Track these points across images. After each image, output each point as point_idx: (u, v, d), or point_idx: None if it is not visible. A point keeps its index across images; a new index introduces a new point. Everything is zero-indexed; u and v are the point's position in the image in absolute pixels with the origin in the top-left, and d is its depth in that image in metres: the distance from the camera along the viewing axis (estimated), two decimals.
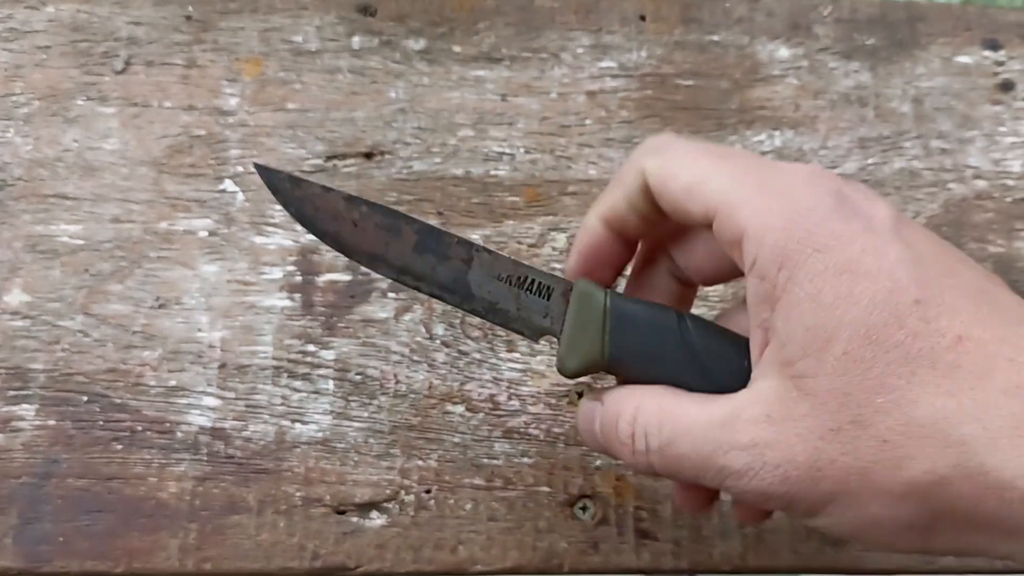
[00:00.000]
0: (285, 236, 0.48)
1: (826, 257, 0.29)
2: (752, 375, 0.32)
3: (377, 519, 0.44)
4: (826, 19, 0.54)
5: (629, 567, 0.44)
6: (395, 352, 0.46)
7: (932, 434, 0.28)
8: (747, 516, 0.38)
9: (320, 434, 0.45)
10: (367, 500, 0.44)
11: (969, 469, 0.27)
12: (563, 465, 0.45)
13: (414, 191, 0.49)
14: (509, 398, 0.46)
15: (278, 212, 0.49)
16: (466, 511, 0.44)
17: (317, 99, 0.51)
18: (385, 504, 0.44)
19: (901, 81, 0.53)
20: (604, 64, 0.53)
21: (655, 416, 0.33)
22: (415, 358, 0.46)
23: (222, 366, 0.46)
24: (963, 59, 0.53)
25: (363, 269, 0.47)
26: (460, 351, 0.47)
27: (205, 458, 0.44)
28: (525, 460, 0.45)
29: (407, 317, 0.47)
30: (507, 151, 0.50)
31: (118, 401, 0.45)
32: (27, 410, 0.45)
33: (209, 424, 0.45)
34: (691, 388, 0.35)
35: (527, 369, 0.46)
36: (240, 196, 0.49)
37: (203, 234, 0.48)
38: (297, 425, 0.45)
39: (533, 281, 0.38)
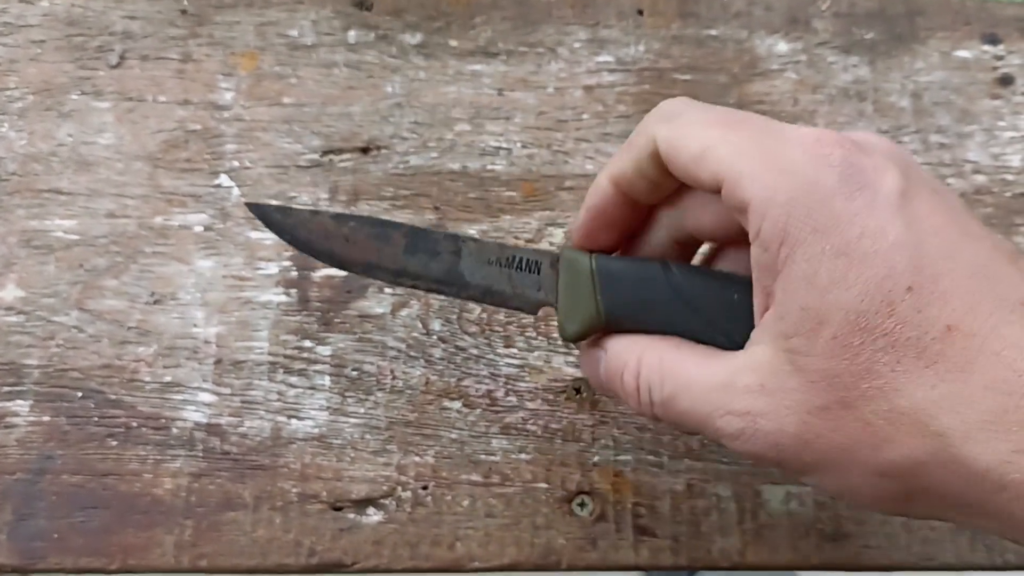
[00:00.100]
0: None
1: (824, 238, 0.29)
2: (752, 335, 0.33)
3: (374, 515, 0.44)
4: (825, 13, 0.53)
5: (627, 563, 0.44)
6: (392, 348, 0.46)
7: (912, 422, 0.29)
8: None
9: (316, 430, 0.45)
10: (364, 496, 0.44)
11: (945, 458, 0.28)
12: (561, 461, 0.45)
13: (411, 186, 0.49)
14: (506, 394, 0.46)
15: None
16: (463, 507, 0.44)
17: (313, 93, 0.51)
18: (382, 500, 0.44)
19: (900, 75, 0.52)
20: (601, 58, 0.52)
21: (656, 371, 0.35)
22: (412, 354, 0.46)
23: (218, 362, 0.46)
24: (962, 53, 0.53)
25: None
26: (457, 347, 0.46)
27: (201, 454, 0.44)
28: (523, 456, 0.45)
29: (404, 313, 0.47)
30: (504, 146, 0.50)
31: (113, 397, 0.45)
32: (21, 406, 0.45)
33: (205, 420, 0.45)
34: (689, 332, 0.36)
35: (524, 365, 0.46)
36: (236, 191, 0.49)
37: (198, 229, 0.48)
38: (293, 421, 0.45)
39: (521, 259, 0.40)
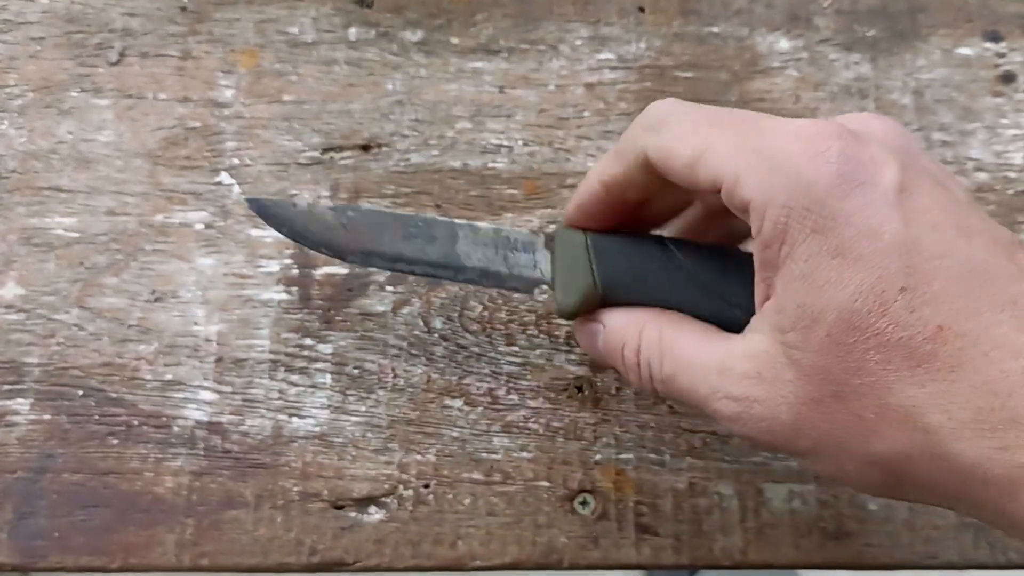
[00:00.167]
0: None
1: (822, 239, 0.30)
2: (752, 321, 0.33)
3: (375, 514, 0.44)
4: (826, 10, 0.53)
5: (629, 562, 0.43)
6: (393, 346, 0.46)
7: (901, 419, 0.29)
8: None
9: (317, 428, 0.45)
10: (365, 495, 0.44)
11: (933, 453, 0.29)
12: (562, 459, 0.45)
13: (412, 184, 0.49)
14: (508, 392, 0.46)
15: None
16: (465, 506, 0.44)
17: (313, 91, 0.51)
18: (383, 499, 0.44)
19: (902, 73, 0.52)
20: (602, 56, 0.52)
21: (656, 348, 0.36)
22: (413, 352, 0.46)
23: (219, 360, 0.46)
24: (964, 51, 0.53)
25: None
26: (458, 345, 0.46)
27: (202, 453, 0.44)
28: (524, 454, 0.45)
29: (405, 311, 0.47)
30: (505, 143, 0.50)
31: (114, 395, 0.45)
32: (22, 404, 0.45)
33: (206, 418, 0.45)
34: (689, 304, 0.37)
35: (526, 363, 0.46)
36: (236, 189, 0.49)
37: (199, 227, 0.48)
38: (294, 419, 0.45)
39: (516, 240, 0.41)
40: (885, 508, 0.44)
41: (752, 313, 0.33)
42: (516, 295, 0.47)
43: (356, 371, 0.46)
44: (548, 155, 0.50)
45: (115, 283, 0.47)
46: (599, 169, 0.38)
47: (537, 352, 0.46)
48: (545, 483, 0.44)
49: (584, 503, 0.44)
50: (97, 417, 0.44)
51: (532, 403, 0.45)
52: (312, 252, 0.47)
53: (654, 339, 0.36)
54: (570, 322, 0.43)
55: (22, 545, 0.42)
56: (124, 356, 0.45)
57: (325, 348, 0.46)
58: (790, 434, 0.32)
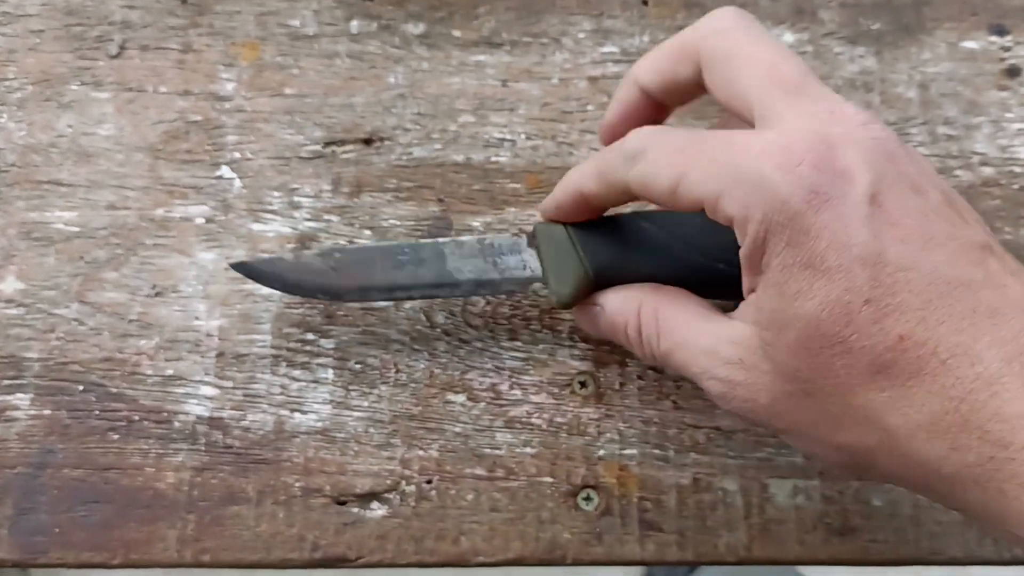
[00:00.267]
0: (283, 223, 0.48)
1: (794, 252, 0.31)
2: (740, 307, 0.35)
3: (378, 510, 0.43)
4: (831, 4, 0.53)
5: (633, 558, 0.43)
6: (395, 341, 0.46)
7: (863, 417, 0.32)
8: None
9: (320, 424, 0.44)
10: (368, 490, 0.43)
11: (892, 449, 0.32)
12: (566, 455, 0.44)
13: (414, 178, 0.49)
14: (511, 387, 0.45)
15: (276, 199, 0.48)
16: (468, 501, 0.44)
17: (315, 84, 0.50)
18: (386, 495, 0.43)
19: (907, 66, 0.52)
20: (606, 49, 0.52)
21: (653, 327, 0.38)
22: (415, 347, 0.46)
23: (220, 355, 0.45)
24: (969, 44, 0.53)
25: None
26: (461, 340, 0.46)
27: (203, 448, 0.44)
28: (527, 450, 0.44)
29: (407, 305, 0.46)
30: (508, 137, 0.50)
31: (114, 390, 0.45)
32: (22, 399, 0.44)
33: (207, 414, 0.44)
34: (673, 269, 0.40)
35: (529, 358, 0.46)
36: (237, 182, 0.48)
37: (200, 221, 0.48)
38: (296, 415, 0.44)
39: (501, 245, 0.43)
40: (890, 504, 0.44)
41: (733, 265, 0.35)
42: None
43: (358, 366, 0.45)
44: (551, 149, 0.50)
45: (115, 278, 0.46)
46: (579, 180, 0.39)
47: (540, 347, 0.46)
48: (548, 479, 0.44)
49: (588, 499, 0.44)
50: (98, 412, 0.44)
51: (535, 398, 0.45)
52: (313, 246, 0.47)
53: (651, 317, 0.38)
54: (570, 311, 0.44)
55: (22, 541, 0.42)
56: (125, 351, 0.45)
57: (327, 343, 0.46)
58: (768, 415, 0.35)
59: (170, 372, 0.45)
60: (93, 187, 0.48)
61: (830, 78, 0.51)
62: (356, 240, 0.47)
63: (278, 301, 0.46)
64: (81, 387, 0.45)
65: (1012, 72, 0.52)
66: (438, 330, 0.46)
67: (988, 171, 0.50)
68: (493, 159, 0.49)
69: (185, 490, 0.43)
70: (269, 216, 0.48)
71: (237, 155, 0.49)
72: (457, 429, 0.45)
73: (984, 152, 0.50)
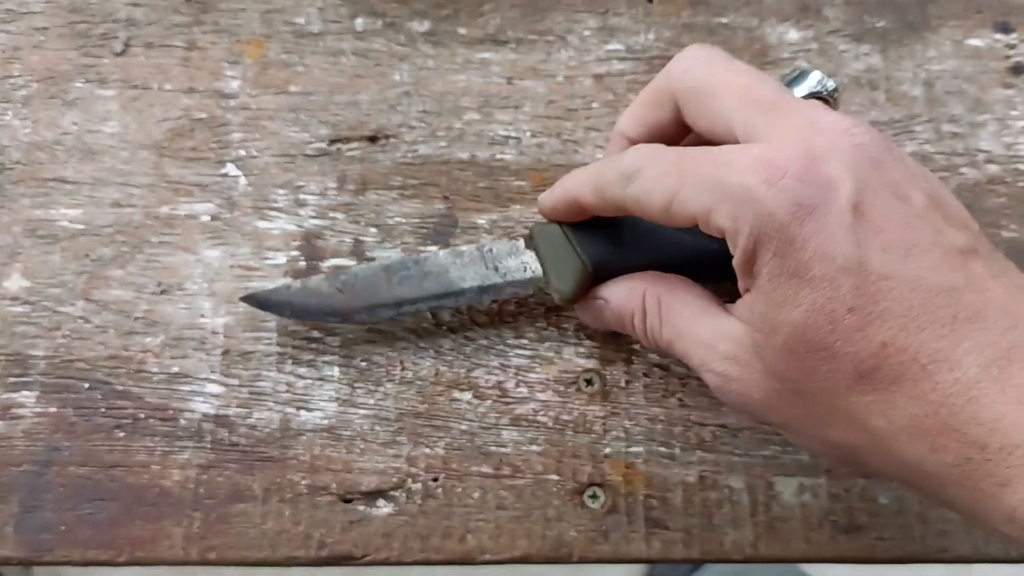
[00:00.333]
0: (288, 221, 0.48)
1: (781, 262, 0.32)
2: (737, 304, 0.37)
3: (384, 507, 0.43)
4: (836, 1, 0.53)
5: (639, 556, 0.43)
6: (401, 338, 0.46)
7: (849, 418, 0.33)
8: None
9: (326, 421, 0.44)
10: (374, 488, 0.43)
11: (877, 448, 0.33)
12: (572, 453, 0.44)
13: (419, 175, 0.49)
14: (517, 385, 0.45)
15: (281, 196, 0.48)
16: (474, 499, 0.43)
17: (320, 82, 0.50)
18: (392, 492, 0.43)
19: (912, 64, 0.52)
20: (611, 47, 0.52)
21: (656, 316, 0.39)
22: (421, 344, 0.46)
23: (225, 352, 0.45)
24: (974, 42, 0.53)
25: (368, 254, 0.47)
26: (467, 337, 0.46)
27: (209, 446, 0.44)
28: (533, 448, 0.44)
29: None
30: (513, 135, 0.50)
31: (120, 388, 0.44)
32: (27, 397, 0.44)
33: (213, 411, 0.44)
34: (669, 253, 0.41)
35: (535, 355, 0.46)
36: (243, 180, 0.48)
37: (205, 219, 0.48)
38: (302, 412, 0.44)
39: (500, 250, 0.44)
40: (897, 501, 0.44)
41: (725, 246, 0.35)
42: None
43: (364, 364, 0.45)
44: (556, 147, 0.50)
45: (121, 275, 0.46)
46: (576, 190, 0.41)
47: (546, 345, 0.46)
48: (554, 477, 0.44)
49: (594, 497, 0.44)
50: (103, 410, 0.44)
51: (541, 396, 0.45)
52: (319, 243, 0.47)
53: (654, 306, 0.40)
54: (573, 307, 0.45)
55: (28, 539, 0.42)
56: (130, 349, 0.45)
57: (333, 340, 0.46)
58: (762, 410, 0.36)
59: (176, 370, 0.45)
60: (98, 185, 0.48)
61: (835, 76, 0.51)
62: (361, 239, 0.47)
63: None
64: (87, 385, 0.44)
65: (1017, 70, 0.52)
66: (444, 328, 0.46)
67: (993, 169, 0.50)
68: (498, 157, 0.49)
69: (191, 488, 0.43)
70: (274, 214, 0.48)
71: (242, 153, 0.49)
72: (463, 427, 0.44)
73: (989, 150, 0.50)
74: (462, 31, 0.52)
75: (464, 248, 0.45)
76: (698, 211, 0.34)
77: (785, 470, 0.44)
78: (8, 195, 0.47)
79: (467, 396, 0.45)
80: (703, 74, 0.38)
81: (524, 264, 0.44)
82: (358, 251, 0.47)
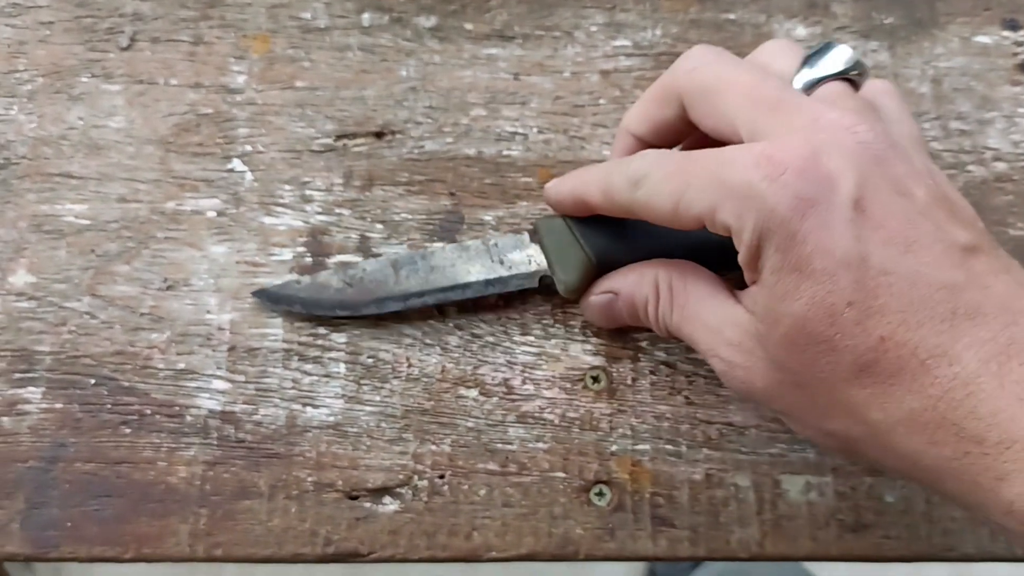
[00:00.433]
0: (295, 216, 0.47)
1: (783, 256, 0.33)
2: (743, 292, 0.37)
3: (390, 505, 0.43)
4: None
5: (646, 554, 0.43)
6: (407, 335, 0.46)
7: (848, 410, 0.34)
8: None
9: (332, 418, 0.44)
10: (380, 485, 0.43)
11: (875, 440, 0.34)
12: (578, 450, 0.44)
13: (425, 171, 0.49)
14: (523, 382, 0.45)
15: (287, 192, 0.48)
16: (480, 497, 0.43)
17: (326, 77, 0.50)
18: (398, 489, 0.43)
19: (920, 61, 0.52)
20: (618, 42, 0.52)
21: (668, 299, 0.40)
22: (428, 341, 0.46)
23: (232, 349, 0.45)
24: (982, 39, 0.52)
25: (374, 250, 0.47)
26: (473, 334, 0.46)
27: (215, 442, 0.44)
28: (540, 445, 0.44)
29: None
30: (520, 131, 0.50)
31: (126, 384, 0.44)
32: (33, 393, 0.44)
33: (219, 408, 0.44)
34: (671, 243, 0.42)
35: (541, 353, 0.46)
36: (249, 176, 0.48)
37: (211, 214, 0.47)
38: (308, 409, 0.44)
39: (505, 244, 0.45)
40: (903, 500, 0.44)
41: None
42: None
43: (370, 360, 0.45)
44: (563, 143, 0.49)
45: (127, 271, 0.46)
46: (584, 190, 0.41)
47: (552, 342, 0.46)
48: (561, 474, 0.44)
49: (600, 494, 0.44)
50: (109, 406, 0.44)
51: (547, 393, 0.45)
52: (325, 239, 0.47)
53: (666, 290, 0.40)
54: (578, 303, 0.45)
55: (34, 535, 0.42)
56: (136, 345, 0.45)
57: (339, 337, 0.45)
58: (764, 398, 0.37)
59: (182, 366, 0.45)
60: (104, 180, 0.48)
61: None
62: (368, 235, 0.47)
63: None
64: (93, 381, 0.44)
65: None
66: (450, 324, 0.46)
67: (1001, 166, 0.50)
68: (505, 153, 0.49)
69: (197, 484, 0.43)
70: (280, 210, 0.47)
71: (248, 148, 0.49)
72: (469, 424, 0.44)
73: (997, 147, 0.50)
74: (469, 27, 0.52)
75: (470, 243, 0.45)
76: (704, 211, 0.35)
77: (792, 468, 0.44)
78: (14, 190, 0.47)
79: (473, 393, 0.45)
80: (709, 73, 0.38)
81: (529, 257, 0.45)
82: (364, 247, 0.47)
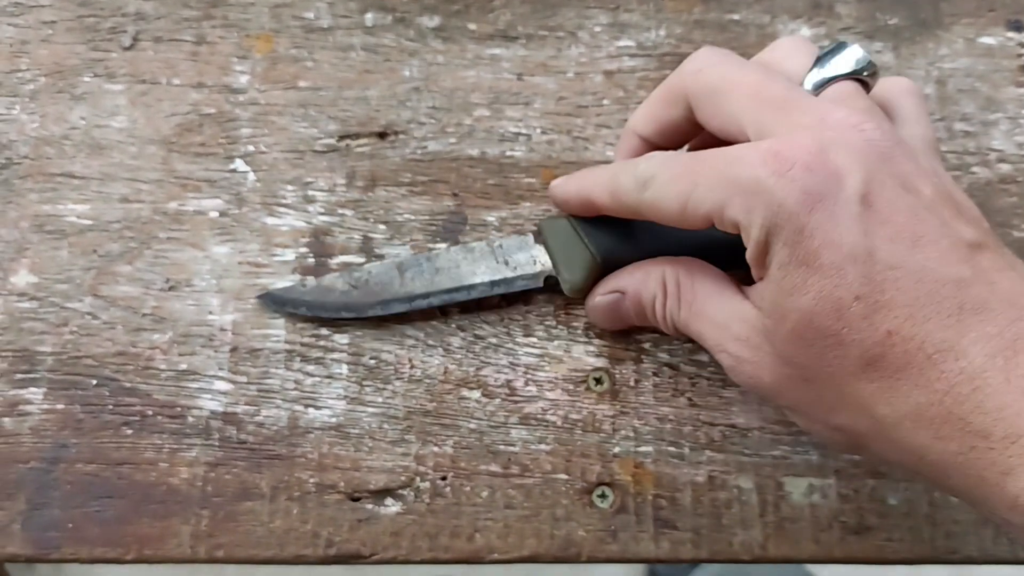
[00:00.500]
0: (297, 217, 0.47)
1: (791, 251, 0.33)
2: (751, 288, 0.37)
3: (392, 506, 0.43)
4: None
5: (648, 556, 0.43)
6: (410, 336, 0.46)
7: (855, 405, 0.34)
8: None
9: (334, 419, 0.44)
10: (382, 487, 0.43)
11: (881, 435, 0.34)
12: (581, 452, 0.44)
13: (428, 172, 0.49)
14: (526, 383, 0.45)
15: (290, 193, 0.48)
16: (482, 498, 0.43)
17: (329, 77, 0.50)
18: (400, 491, 0.43)
19: (924, 62, 0.52)
20: (622, 43, 0.51)
21: (676, 296, 0.40)
22: (430, 342, 0.46)
23: (234, 349, 0.45)
24: (987, 40, 0.52)
25: (377, 251, 0.47)
26: (476, 335, 0.46)
27: (217, 443, 0.44)
28: (542, 447, 0.44)
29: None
30: (523, 131, 0.50)
31: (128, 385, 0.44)
32: (35, 394, 0.44)
33: (221, 409, 0.44)
34: (676, 241, 0.42)
35: (544, 354, 0.46)
36: (251, 176, 0.48)
37: (214, 215, 0.47)
38: (310, 410, 0.44)
39: (509, 245, 0.45)
40: (906, 503, 0.44)
41: (730, 233, 0.36)
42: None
43: (373, 361, 0.45)
44: (567, 143, 0.49)
45: (129, 271, 0.46)
46: (592, 191, 0.41)
47: (555, 343, 0.46)
48: (563, 476, 0.44)
49: (603, 496, 0.44)
50: (111, 407, 0.44)
51: (550, 395, 0.45)
52: (328, 240, 0.47)
53: (673, 288, 0.40)
54: (582, 306, 0.45)
55: (36, 536, 0.42)
56: (138, 345, 0.45)
57: (341, 338, 0.45)
58: (771, 392, 0.37)
59: (184, 367, 0.45)
60: (106, 180, 0.48)
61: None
62: (370, 235, 0.47)
63: None
64: (94, 381, 0.44)
65: None
66: (453, 326, 0.46)
67: (1005, 168, 0.50)
68: (508, 153, 0.49)
69: (199, 485, 0.43)
70: (283, 210, 0.47)
71: (251, 148, 0.49)
72: (472, 425, 0.44)
73: (1001, 149, 0.50)
74: (472, 27, 0.51)
75: (474, 244, 0.45)
76: (712, 208, 0.35)
77: (795, 470, 0.44)
78: (16, 190, 0.47)
79: (476, 394, 0.45)
80: (715, 74, 0.38)
81: (534, 257, 0.45)
82: (367, 248, 0.47)
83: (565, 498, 0.43)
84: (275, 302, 0.45)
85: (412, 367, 0.45)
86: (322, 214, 0.47)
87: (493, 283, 0.45)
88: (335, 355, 0.45)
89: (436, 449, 0.44)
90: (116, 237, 0.47)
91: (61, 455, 0.43)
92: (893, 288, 0.32)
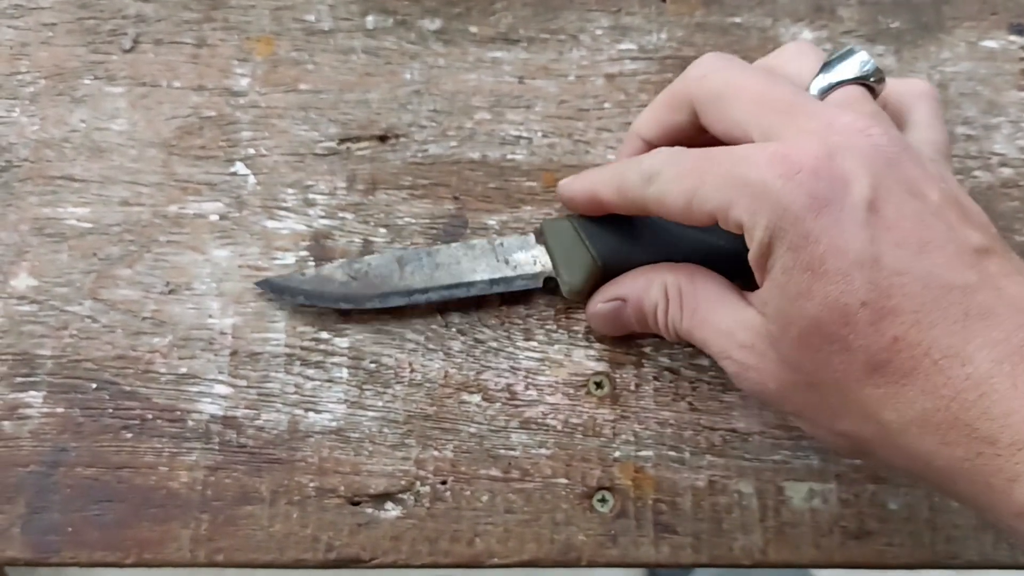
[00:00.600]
0: (297, 220, 0.47)
1: (796, 255, 0.33)
2: (754, 294, 0.37)
3: (392, 510, 0.43)
4: (850, 1, 0.52)
5: (648, 560, 0.43)
6: (410, 340, 0.46)
7: (860, 411, 0.34)
8: None
9: (334, 423, 0.44)
10: (382, 491, 0.43)
11: (886, 441, 0.34)
12: (581, 456, 0.44)
13: (429, 175, 0.48)
14: (526, 387, 0.45)
15: (290, 196, 0.48)
16: (483, 503, 0.43)
17: (330, 80, 0.50)
18: (400, 495, 0.43)
19: (926, 65, 0.51)
20: (623, 46, 0.51)
21: (677, 305, 0.40)
22: (430, 346, 0.45)
23: (234, 353, 0.45)
24: (989, 44, 0.52)
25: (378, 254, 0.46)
26: (476, 339, 0.46)
27: (217, 447, 0.44)
28: (543, 451, 0.44)
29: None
30: (524, 135, 0.49)
31: (128, 388, 0.44)
32: (35, 397, 0.44)
33: (221, 412, 0.44)
34: (677, 245, 0.42)
35: (544, 358, 0.45)
36: (251, 179, 0.48)
37: (214, 218, 0.47)
38: (311, 414, 0.44)
39: (510, 244, 0.45)
40: (906, 508, 0.44)
41: (732, 242, 0.36)
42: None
43: (373, 365, 0.45)
44: (568, 147, 0.49)
45: (129, 275, 0.46)
46: (597, 187, 0.42)
47: (556, 347, 0.46)
48: (563, 480, 0.44)
49: (603, 501, 0.44)
50: (111, 410, 0.44)
51: (551, 399, 0.45)
52: (328, 243, 0.47)
53: (675, 296, 0.40)
54: (583, 310, 0.45)
55: (35, 540, 0.42)
56: (138, 349, 0.45)
57: (342, 342, 0.45)
58: (776, 399, 0.37)
59: (184, 370, 0.45)
60: (106, 183, 0.48)
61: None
62: (371, 239, 0.47)
63: None
64: (94, 385, 0.44)
65: None
66: (453, 329, 0.46)
67: (1007, 172, 0.50)
68: (509, 157, 0.49)
69: (199, 489, 0.43)
70: (283, 213, 0.47)
71: (251, 151, 0.48)
72: (472, 430, 0.44)
73: (1003, 153, 0.50)
74: (473, 30, 0.51)
75: (476, 242, 0.45)
76: (716, 207, 0.35)
77: (795, 475, 0.44)
78: (16, 193, 0.47)
79: (476, 399, 0.45)
80: (719, 79, 0.38)
81: (534, 257, 0.45)
82: (367, 251, 0.47)
83: (565, 502, 0.43)
84: (274, 289, 0.45)
85: (412, 371, 0.45)
86: (322, 217, 0.47)
87: (492, 281, 0.45)
88: (335, 359, 0.45)
89: (436, 453, 0.44)
90: (116, 240, 0.47)
91: (61, 459, 0.43)
92: (899, 294, 0.32)
